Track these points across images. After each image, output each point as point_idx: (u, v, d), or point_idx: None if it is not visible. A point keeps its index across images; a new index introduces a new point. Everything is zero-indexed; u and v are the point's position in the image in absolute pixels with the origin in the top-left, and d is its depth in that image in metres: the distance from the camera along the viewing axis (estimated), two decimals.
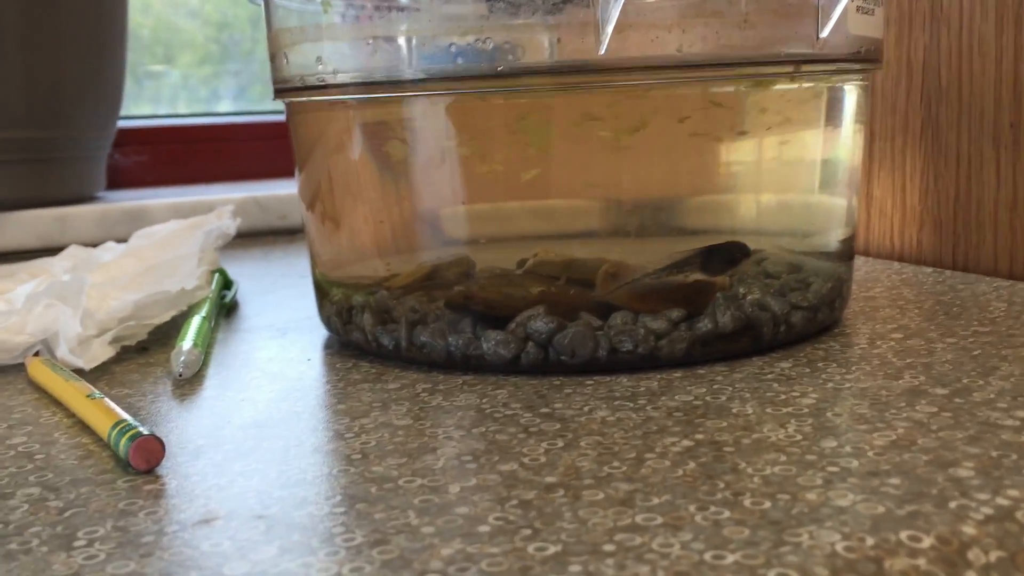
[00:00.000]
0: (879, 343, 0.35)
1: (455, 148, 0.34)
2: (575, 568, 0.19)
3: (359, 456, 0.25)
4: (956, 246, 0.49)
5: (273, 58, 0.38)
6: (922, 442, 0.25)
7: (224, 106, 0.95)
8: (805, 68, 0.34)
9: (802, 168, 0.36)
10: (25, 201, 0.64)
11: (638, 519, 0.21)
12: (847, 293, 0.38)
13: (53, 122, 0.64)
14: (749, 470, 0.23)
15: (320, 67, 0.35)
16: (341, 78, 0.34)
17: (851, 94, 0.37)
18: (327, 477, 0.24)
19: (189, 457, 0.26)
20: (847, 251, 0.38)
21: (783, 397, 0.29)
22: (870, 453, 0.24)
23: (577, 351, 0.32)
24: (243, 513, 0.22)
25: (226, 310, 0.46)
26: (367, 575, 0.19)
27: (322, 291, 0.39)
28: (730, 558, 0.19)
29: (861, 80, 0.37)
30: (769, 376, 0.31)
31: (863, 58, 0.36)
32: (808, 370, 0.32)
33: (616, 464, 0.24)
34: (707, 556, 0.19)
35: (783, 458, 0.24)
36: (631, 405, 0.29)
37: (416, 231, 0.37)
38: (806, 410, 0.28)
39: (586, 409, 0.29)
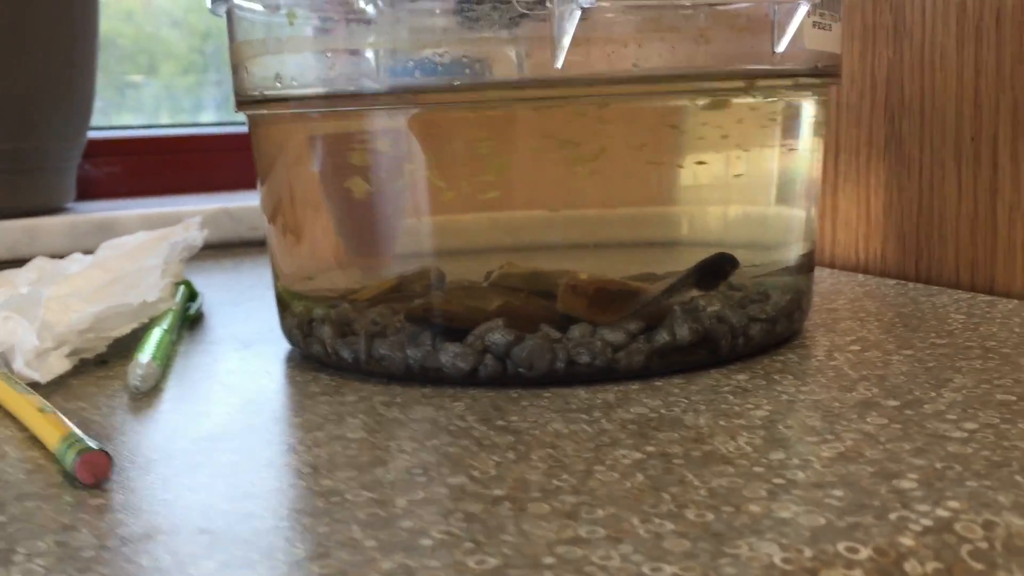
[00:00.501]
0: (836, 355, 0.35)
1: (417, 162, 0.34)
2: None
3: (309, 470, 0.25)
4: (919, 259, 0.49)
5: (235, 70, 0.38)
6: (869, 454, 0.25)
7: (207, 116, 0.95)
8: (761, 83, 0.34)
9: (761, 182, 0.37)
10: None
11: (581, 532, 0.21)
12: (807, 305, 0.39)
13: (21, 132, 0.64)
14: (696, 482, 0.23)
15: (280, 80, 0.35)
16: (302, 91, 0.34)
17: (809, 109, 0.37)
18: (275, 491, 0.24)
19: (139, 471, 0.26)
20: (807, 264, 0.38)
21: (737, 409, 0.29)
22: (817, 465, 0.24)
23: (535, 364, 0.32)
24: (187, 528, 0.22)
25: (190, 322, 0.46)
26: None
27: (283, 304, 0.39)
28: (668, 570, 0.19)
29: (819, 95, 0.37)
30: (725, 388, 0.31)
31: (820, 73, 0.36)
32: (764, 382, 0.32)
33: (565, 477, 0.24)
34: (645, 568, 0.19)
35: (731, 470, 0.24)
36: (586, 417, 0.29)
37: (380, 244, 0.37)
38: (758, 422, 0.28)
39: (541, 422, 0.29)
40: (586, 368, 0.33)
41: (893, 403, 0.29)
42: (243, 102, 0.37)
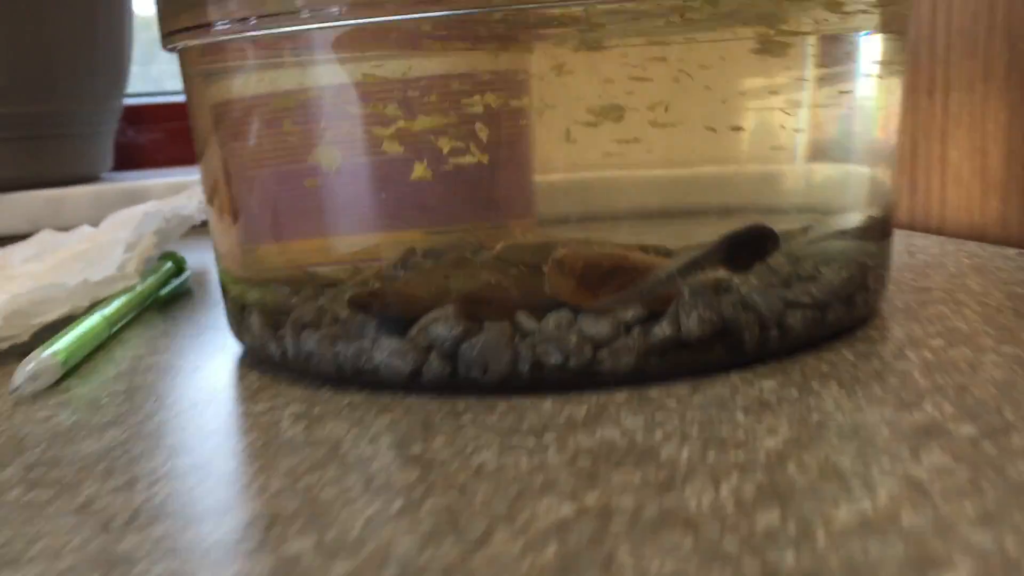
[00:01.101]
0: (909, 353, 0.26)
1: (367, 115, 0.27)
2: None
3: (124, 519, 0.19)
4: None
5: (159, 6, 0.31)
6: (908, 519, 0.17)
7: None
8: None
9: (816, 129, 0.28)
10: (16, 182, 0.60)
11: None
12: (877, 284, 0.30)
13: (41, 95, 0.59)
14: (627, 561, 0.16)
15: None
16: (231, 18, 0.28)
17: (878, 33, 0.28)
18: (48, 553, 0.17)
19: None
20: (876, 230, 0.29)
21: (741, 435, 0.21)
22: (821, 537, 0.16)
23: (490, 364, 0.25)
24: None
25: (162, 302, 0.40)
26: None
27: (225, 290, 0.32)
28: None
29: (892, 15, 0.28)
30: (738, 402, 0.23)
31: None
32: (796, 393, 0.24)
33: (449, 544, 0.17)
34: None
35: (688, 542, 0.16)
36: (531, 444, 0.21)
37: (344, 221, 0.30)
38: (763, 458, 0.20)
39: (468, 450, 0.21)
40: (558, 371, 0.25)
41: (968, 430, 0.20)
42: (170, 34, 0.31)
